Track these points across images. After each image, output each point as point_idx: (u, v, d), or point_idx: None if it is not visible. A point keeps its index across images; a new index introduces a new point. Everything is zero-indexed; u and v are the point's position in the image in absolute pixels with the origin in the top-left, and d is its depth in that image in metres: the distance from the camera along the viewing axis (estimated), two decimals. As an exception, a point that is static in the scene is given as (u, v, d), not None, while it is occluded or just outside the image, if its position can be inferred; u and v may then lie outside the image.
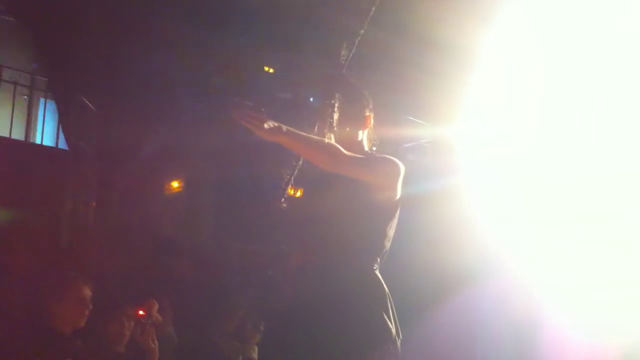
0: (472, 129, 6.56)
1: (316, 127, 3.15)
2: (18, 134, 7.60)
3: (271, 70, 7.22)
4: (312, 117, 3.30)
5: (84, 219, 6.85)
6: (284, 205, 3.35)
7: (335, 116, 3.08)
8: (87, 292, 3.73)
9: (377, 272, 2.94)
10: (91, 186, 7.04)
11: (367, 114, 3.11)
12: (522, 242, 6.11)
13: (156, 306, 4.22)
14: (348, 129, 3.05)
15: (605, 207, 5.65)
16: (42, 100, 8.11)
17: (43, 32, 6.21)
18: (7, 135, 7.14)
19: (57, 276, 3.94)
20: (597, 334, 5.43)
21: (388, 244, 3.00)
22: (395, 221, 3.02)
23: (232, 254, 7.02)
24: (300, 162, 3.40)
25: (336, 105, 3.08)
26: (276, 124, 2.74)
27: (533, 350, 5.80)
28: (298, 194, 7.41)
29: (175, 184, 7.53)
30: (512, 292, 5.95)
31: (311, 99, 7.42)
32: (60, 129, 7.49)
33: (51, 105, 7.87)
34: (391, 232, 3.00)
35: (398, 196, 3.00)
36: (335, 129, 3.08)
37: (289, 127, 2.79)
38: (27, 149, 7.27)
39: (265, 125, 2.71)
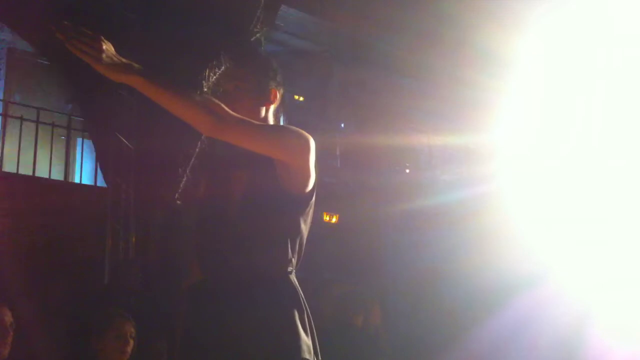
0: (508, 136, 6.51)
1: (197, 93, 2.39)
2: (58, 174, 7.75)
3: (301, 99, 7.24)
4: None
5: (124, 255, 6.92)
6: (179, 202, 2.65)
7: (225, 82, 2.46)
8: (129, 328, 3.75)
9: (292, 276, 2.36)
10: (130, 222, 7.10)
11: (273, 87, 2.51)
12: (565, 248, 6.04)
13: None
14: (245, 101, 2.42)
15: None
16: (79, 139, 8.26)
17: (75, 73, 6.32)
18: (47, 175, 7.30)
19: (99, 312, 3.97)
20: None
21: (304, 240, 2.41)
22: (310, 212, 2.42)
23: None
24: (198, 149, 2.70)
25: (220, 67, 2.47)
26: (124, 60, 2.10)
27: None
28: (334, 219, 7.43)
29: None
30: (556, 299, 5.87)
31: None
32: (99, 167, 7.60)
33: (88, 144, 8.01)
34: (305, 225, 2.41)
35: (312, 181, 2.38)
36: (221, 97, 2.40)
37: (145, 69, 2.11)
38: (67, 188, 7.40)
39: (105, 58, 2.06)
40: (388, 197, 7.51)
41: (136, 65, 2.10)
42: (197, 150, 2.48)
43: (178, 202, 2.63)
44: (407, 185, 7.88)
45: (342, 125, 7.85)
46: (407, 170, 8.15)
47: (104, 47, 2.06)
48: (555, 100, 6.09)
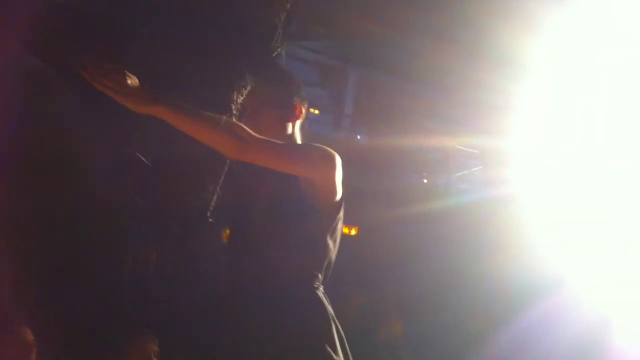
0: (526, 140, 6.49)
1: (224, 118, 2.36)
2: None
3: (316, 112, 7.22)
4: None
5: (145, 272, 6.94)
6: (211, 219, 2.68)
7: (249, 101, 2.45)
8: (153, 347, 3.75)
9: (319, 292, 2.38)
10: (150, 237, 7.12)
11: (297, 102, 2.54)
12: (580, 253, 6.02)
13: None
14: (270, 117, 2.44)
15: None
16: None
17: (89, 90, 6.36)
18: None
19: (120, 330, 3.97)
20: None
21: (332, 256, 2.41)
22: (338, 227, 2.43)
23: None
24: (227, 166, 2.60)
25: (247, 86, 2.45)
26: (146, 91, 2.13)
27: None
28: (353, 232, 7.40)
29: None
30: (575, 303, 5.84)
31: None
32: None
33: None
34: (333, 240, 2.41)
35: (339, 195, 2.41)
36: (247, 116, 2.43)
37: (167, 98, 2.12)
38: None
39: (128, 90, 2.10)
40: (406, 205, 7.50)
41: (159, 96, 2.11)
42: (225, 167, 2.51)
43: (210, 219, 2.66)
44: (424, 192, 7.87)
45: (358, 136, 7.88)
46: (425, 180, 8.14)
47: (128, 80, 2.09)
48: (574, 104, 6.06)
